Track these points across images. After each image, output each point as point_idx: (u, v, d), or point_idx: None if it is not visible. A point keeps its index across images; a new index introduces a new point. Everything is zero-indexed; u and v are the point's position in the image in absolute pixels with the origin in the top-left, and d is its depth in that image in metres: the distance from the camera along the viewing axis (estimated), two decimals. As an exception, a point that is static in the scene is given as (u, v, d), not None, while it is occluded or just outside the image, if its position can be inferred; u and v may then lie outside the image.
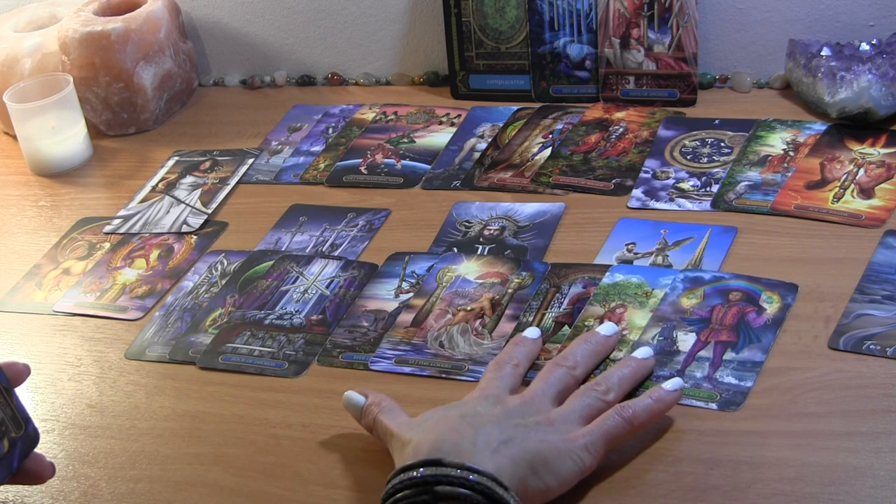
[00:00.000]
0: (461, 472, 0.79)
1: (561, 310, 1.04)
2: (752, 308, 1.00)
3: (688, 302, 1.02)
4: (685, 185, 1.18)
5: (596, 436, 0.85)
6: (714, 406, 0.91)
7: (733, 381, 0.93)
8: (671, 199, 1.17)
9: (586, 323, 1.01)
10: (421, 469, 0.80)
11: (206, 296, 1.14)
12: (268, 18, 1.52)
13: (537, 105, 1.38)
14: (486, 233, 1.17)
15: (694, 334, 0.98)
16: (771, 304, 1.00)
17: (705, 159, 1.21)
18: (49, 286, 1.20)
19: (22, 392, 0.85)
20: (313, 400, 0.99)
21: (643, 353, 0.94)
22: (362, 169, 1.31)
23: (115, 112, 1.45)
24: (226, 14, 1.53)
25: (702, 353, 0.96)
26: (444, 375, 0.99)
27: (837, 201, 1.12)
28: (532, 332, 0.99)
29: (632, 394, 0.92)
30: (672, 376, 0.93)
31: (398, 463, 0.85)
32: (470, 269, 1.11)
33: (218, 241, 1.23)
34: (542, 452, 0.83)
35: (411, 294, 1.09)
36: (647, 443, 0.89)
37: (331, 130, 1.40)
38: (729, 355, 0.95)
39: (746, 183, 1.17)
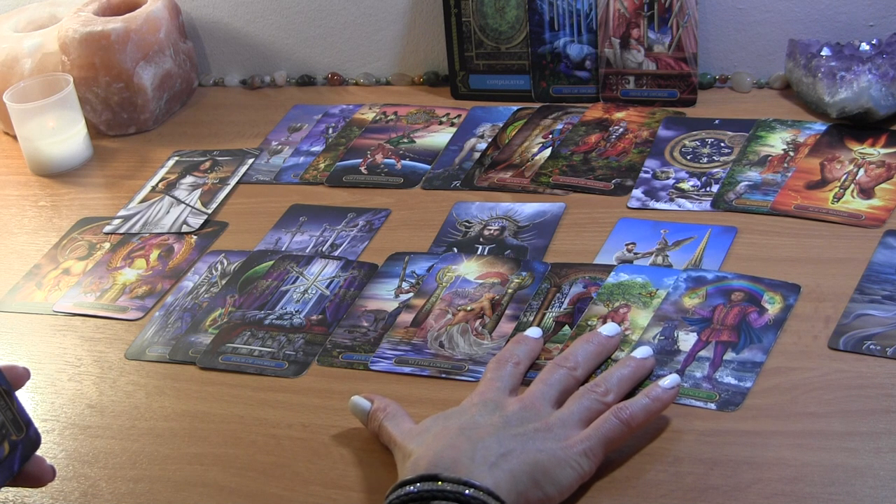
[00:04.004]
0: (457, 486, 0.79)
1: (561, 309, 1.04)
2: (754, 308, 1.00)
3: (690, 301, 1.02)
4: (685, 185, 1.18)
5: (594, 441, 0.85)
6: (713, 406, 0.91)
7: (733, 381, 0.93)
8: (671, 199, 1.16)
9: (589, 322, 1.01)
10: (418, 484, 0.80)
11: (206, 296, 1.14)
12: (268, 18, 1.52)
13: (537, 105, 1.38)
14: (486, 233, 1.16)
15: (695, 334, 0.98)
16: (773, 305, 1.00)
17: (705, 159, 1.21)
18: (49, 286, 1.20)
19: (21, 392, 0.85)
20: (313, 400, 0.99)
21: (643, 352, 0.94)
22: (362, 169, 1.31)
23: (115, 112, 1.45)
24: (226, 14, 1.53)
25: (702, 353, 0.96)
26: (443, 375, 0.99)
27: (837, 201, 1.12)
28: (533, 332, 0.99)
29: (630, 393, 0.92)
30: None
31: (400, 474, 0.85)
32: (470, 269, 1.11)
33: (218, 241, 1.23)
34: (541, 463, 0.83)
35: (411, 294, 1.09)
36: (647, 443, 0.89)
37: (331, 130, 1.40)
38: (729, 355, 0.95)
39: (746, 183, 1.17)
